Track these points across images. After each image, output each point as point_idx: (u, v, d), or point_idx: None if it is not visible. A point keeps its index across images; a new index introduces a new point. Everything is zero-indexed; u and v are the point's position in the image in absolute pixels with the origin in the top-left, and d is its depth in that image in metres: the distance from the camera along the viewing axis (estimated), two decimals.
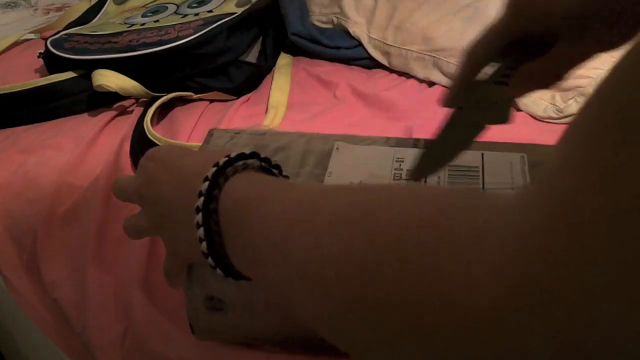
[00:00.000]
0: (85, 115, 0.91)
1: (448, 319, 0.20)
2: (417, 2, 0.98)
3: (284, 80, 0.97)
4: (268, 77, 0.99)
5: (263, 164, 0.38)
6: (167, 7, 1.07)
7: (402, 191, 0.28)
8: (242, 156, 0.36)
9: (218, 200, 0.34)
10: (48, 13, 1.34)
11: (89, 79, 0.88)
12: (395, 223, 0.24)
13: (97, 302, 0.61)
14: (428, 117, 0.82)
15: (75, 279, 0.65)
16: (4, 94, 0.90)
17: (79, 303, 0.62)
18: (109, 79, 0.87)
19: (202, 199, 0.34)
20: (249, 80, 0.96)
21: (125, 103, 0.92)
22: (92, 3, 1.18)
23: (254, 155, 0.37)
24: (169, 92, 0.90)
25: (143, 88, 0.89)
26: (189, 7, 1.05)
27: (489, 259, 0.20)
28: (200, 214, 0.34)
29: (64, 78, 0.91)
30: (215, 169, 0.35)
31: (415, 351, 0.22)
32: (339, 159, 0.52)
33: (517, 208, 0.21)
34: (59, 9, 1.35)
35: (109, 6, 1.15)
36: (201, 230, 0.34)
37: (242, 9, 0.99)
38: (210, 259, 0.35)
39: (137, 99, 0.92)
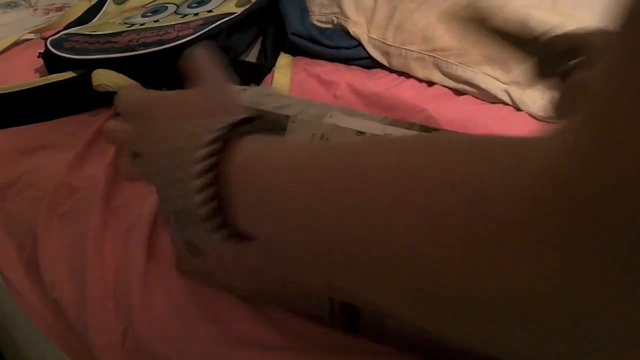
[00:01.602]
0: (85, 115, 0.91)
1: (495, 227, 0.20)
2: (416, 2, 0.98)
3: (284, 80, 0.97)
4: (268, 77, 0.99)
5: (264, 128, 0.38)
6: (166, 7, 1.07)
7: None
8: (245, 120, 0.36)
9: (218, 165, 0.34)
10: (48, 13, 1.34)
11: (89, 79, 0.88)
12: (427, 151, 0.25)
13: (97, 302, 0.61)
14: (428, 116, 0.82)
15: (75, 279, 0.65)
16: (4, 94, 0.90)
17: (79, 303, 0.62)
18: (109, 79, 0.87)
19: (201, 164, 0.34)
20: (249, 80, 0.96)
21: None
22: (92, 3, 1.18)
23: (253, 119, 0.37)
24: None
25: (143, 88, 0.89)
26: (188, 7, 1.05)
27: (524, 172, 0.20)
28: (201, 179, 0.33)
29: (63, 78, 0.91)
30: (216, 134, 0.34)
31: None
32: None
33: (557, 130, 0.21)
34: (59, 9, 1.35)
35: (109, 6, 1.15)
36: (201, 195, 0.34)
37: (242, 8, 0.99)
38: (210, 224, 0.34)
39: None
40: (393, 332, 0.46)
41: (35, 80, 0.92)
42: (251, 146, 0.35)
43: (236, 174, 0.33)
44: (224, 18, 0.95)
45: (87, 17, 1.11)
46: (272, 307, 0.52)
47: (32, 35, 1.17)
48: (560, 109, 0.44)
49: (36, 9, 1.36)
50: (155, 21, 1.00)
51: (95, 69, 0.89)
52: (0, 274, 0.73)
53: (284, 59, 1.04)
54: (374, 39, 0.99)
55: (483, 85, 0.87)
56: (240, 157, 0.34)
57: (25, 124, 0.90)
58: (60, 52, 0.93)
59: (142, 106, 0.42)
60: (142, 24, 0.99)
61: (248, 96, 0.56)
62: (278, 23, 1.06)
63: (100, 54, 0.91)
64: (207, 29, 0.92)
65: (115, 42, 0.93)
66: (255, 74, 0.98)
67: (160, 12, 1.05)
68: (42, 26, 1.20)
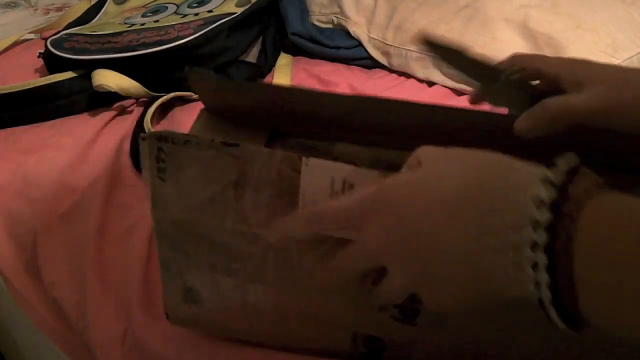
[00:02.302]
0: (85, 115, 0.91)
1: None
2: (417, 2, 0.98)
3: (284, 80, 0.97)
4: (268, 77, 0.99)
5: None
6: (167, 7, 1.07)
7: None
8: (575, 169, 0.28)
9: (570, 234, 0.26)
10: (48, 13, 1.34)
11: (89, 79, 0.88)
12: None
13: (97, 302, 0.61)
14: None
15: (75, 279, 0.65)
16: (4, 94, 0.90)
17: (79, 303, 0.63)
18: (109, 79, 0.87)
19: (541, 232, 0.27)
20: (249, 80, 0.96)
21: (125, 103, 0.92)
22: (92, 3, 1.18)
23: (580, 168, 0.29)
24: (168, 92, 0.90)
25: (143, 88, 0.89)
26: (188, 7, 1.05)
27: None
28: (541, 253, 0.27)
29: (64, 78, 0.91)
30: (553, 190, 0.27)
31: None
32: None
33: None
34: (59, 9, 1.35)
35: (109, 6, 1.15)
36: (543, 274, 0.27)
37: (242, 8, 0.99)
38: (550, 310, 0.28)
39: (137, 99, 0.92)
40: None
41: (36, 80, 0.92)
42: (608, 207, 0.27)
43: (592, 245, 0.26)
44: (224, 18, 0.95)
45: (87, 17, 1.11)
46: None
47: (32, 35, 1.17)
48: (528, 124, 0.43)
49: (36, 9, 1.36)
50: (155, 21, 1.00)
51: (95, 69, 0.89)
52: (0, 274, 0.73)
53: (284, 59, 1.04)
54: (374, 38, 0.99)
55: None
56: (596, 222, 0.26)
57: (25, 124, 0.90)
58: (61, 52, 0.93)
59: (377, 205, 0.34)
60: (142, 24, 0.99)
61: None
62: (278, 23, 1.06)
63: (101, 54, 0.91)
64: (207, 29, 0.92)
65: (116, 42, 0.93)
66: (255, 74, 0.98)
67: (161, 12, 1.05)
68: (42, 26, 1.20)
